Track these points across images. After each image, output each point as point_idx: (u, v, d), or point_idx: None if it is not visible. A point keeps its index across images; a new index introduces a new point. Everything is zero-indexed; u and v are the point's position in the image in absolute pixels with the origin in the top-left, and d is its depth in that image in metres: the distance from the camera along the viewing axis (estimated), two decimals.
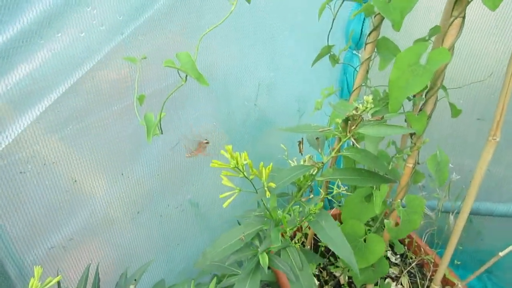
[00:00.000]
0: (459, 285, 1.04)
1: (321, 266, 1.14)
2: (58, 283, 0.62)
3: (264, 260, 0.64)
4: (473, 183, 0.83)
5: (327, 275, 1.12)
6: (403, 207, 0.74)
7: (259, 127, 1.14)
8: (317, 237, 1.22)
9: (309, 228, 1.18)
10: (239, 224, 1.07)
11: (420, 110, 0.68)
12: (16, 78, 0.65)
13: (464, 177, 0.97)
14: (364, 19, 1.20)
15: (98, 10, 0.71)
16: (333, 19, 0.82)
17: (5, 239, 0.71)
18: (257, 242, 0.70)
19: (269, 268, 0.95)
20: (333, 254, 1.18)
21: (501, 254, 0.92)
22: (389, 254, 1.18)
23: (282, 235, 0.68)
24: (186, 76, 0.46)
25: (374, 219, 1.00)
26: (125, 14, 0.74)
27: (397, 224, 0.79)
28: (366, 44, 0.79)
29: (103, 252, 0.88)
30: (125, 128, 0.83)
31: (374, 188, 0.73)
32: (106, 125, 0.79)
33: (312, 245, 1.20)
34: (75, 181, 0.79)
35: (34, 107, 0.68)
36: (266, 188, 0.61)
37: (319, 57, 0.91)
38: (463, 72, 1.09)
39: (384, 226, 0.86)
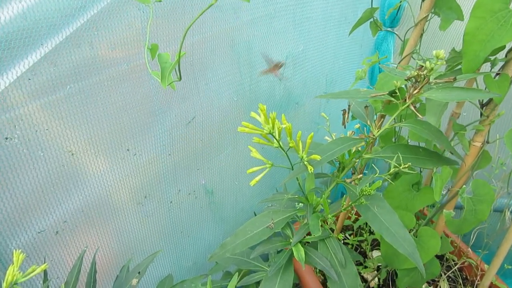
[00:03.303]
0: None
1: None
2: (45, 272, 0.51)
3: (300, 253, 0.51)
4: None
5: None
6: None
7: (284, 106, 1.01)
8: (344, 234, 1.09)
9: (335, 222, 1.05)
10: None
11: (498, 73, 0.54)
12: (4, 19, 0.53)
13: None
14: None
15: None
16: None
17: None
18: (288, 232, 0.57)
19: None
20: (362, 253, 1.05)
21: None
22: None
23: (321, 225, 0.55)
24: None
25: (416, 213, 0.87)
26: None
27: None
28: (423, 0, 0.65)
29: (102, 240, 0.76)
30: (135, 94, 0.71)
31: (434, 171, 0.60)
32: (111, 87, 0.67)
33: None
34: (73, 154, 0.67)
35: (24, 57, 0.56)
36: (306, 162, 0.48)
37: (360, 21, 0.78)
38: None
39: (432, 221, 0.73)
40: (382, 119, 0.74)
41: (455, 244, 1.00)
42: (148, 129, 0.77)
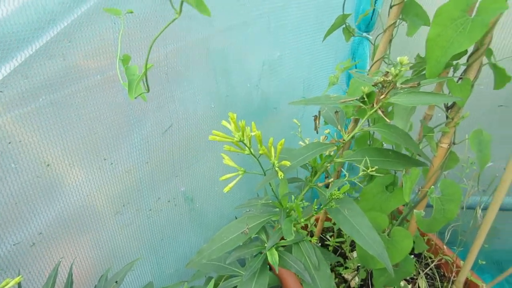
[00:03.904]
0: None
1: (330, 267, 1.03)
2: (19, 285, 0.50)
3: (274, 257, 0.52)
4: (507, 171, 0.72)
5: (335, 277, 1.00)
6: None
7: (262, 113, 1.02)
8: (323, 236, 1.11)
9: (315, 225, 1.07)
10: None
11: (461, 77, 0.57)
12: None
13: (487, 168, 0.87)
14: None
15: None
16: None
17: None
18: (263, 237, 0.58)
19: (270, 269, 0.83)
20: (342, 255, 1.06)
21: None
22: None
23: (294, 228, 0.56)
24: (182, 4, 0.34)
25: (391, 213, 0.89)
26: None
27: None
28: (391, 7, 0.68)
29: (80, 250, 0.75)
30: (110, 104, 0.71)
31: (404, 173, 0.62)
32: (86, 98, 0.67)
33: (319, 245, 1.08)
34: (48, 165, 0.67)
35: None
36: (277, 168, 0.50)
37: (333, 27, 0.79)
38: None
39: (407, 220, 0.75)
40: (356, 123, 0.76)
41: (432, 242, 1.03)
42: (124, 138, 0.77)
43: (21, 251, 0.66)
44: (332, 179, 0.55)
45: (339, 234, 1.10)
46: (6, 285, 0.48)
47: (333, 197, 0.48)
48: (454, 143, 0.62)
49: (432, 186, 0.62)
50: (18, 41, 0.56)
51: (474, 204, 0.94)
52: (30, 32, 0.57)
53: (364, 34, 1.20)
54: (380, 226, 0.66)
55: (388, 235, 0.67)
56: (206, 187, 0.97)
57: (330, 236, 1.10)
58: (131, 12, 0.55)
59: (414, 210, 0.63)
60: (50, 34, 0.59)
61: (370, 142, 0.84)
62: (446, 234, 0.96)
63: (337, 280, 1.00)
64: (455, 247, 1.00)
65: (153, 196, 0.87)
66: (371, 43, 0.84)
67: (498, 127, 1.11)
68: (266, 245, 0.56)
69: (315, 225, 1.06)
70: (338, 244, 1.08)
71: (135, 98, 0.42)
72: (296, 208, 0.53)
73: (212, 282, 0.56)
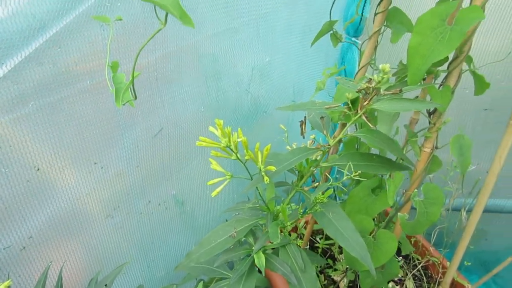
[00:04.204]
0: None
1: (318, 269, 1.04)
2: None
3: (260, 260, 0.54)
4: (490, 173, 0.75)
5: (324, 279, 1.02)
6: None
7: (252, 116, 1.04)
8: (313, 238, 1.12)
9: (305, 228, 1.08)
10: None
11: (442, 84, 0.58)
12: None
13: (472, 170, 0.89)
14: (365, 1, 1.11)
15: None
16: None
17: None
18: (251, 240, 0.59)
19: (260, 271, 0.84)
20: (331, 257, 1.08)
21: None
22: None
23: (281, 231, 0.57)
24: (166, 16, 0.35)
25: (379, 215, 0.90)
26: None
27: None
28: (375, 14, 0.69)
29: (71, 254, 0.76)
30: (99, 109, 0.72)
31: (387, 177, 0.63)
32: (76, 103, 0.68)
33: (309, 247, 1.10)
34: (38, 169, 0.67)
35: None
36: (263, 173, 0.51)
37: (320, 33, 0.81)
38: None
39: (393, 222, 0.77)
40: (343, 128, 0.78)
41: (419, 244, 1.05)
42: (114, 142, 0.77)
43: (11, 255, 0.66)
44: (317, 183, 0.56)
45: (329, 236, 1.11)
46: None
47: (318, 201, 0.50)
48: (436, 147, 0.64)
49: (416, 190, 0.64)
50: (8, 48, 0.57)
51: (459, 206, 0.96)
52: (20, 39, 0.57)
53: (353, 38, 1.22)
54: (366, 228, 0.68)
55: (373, 237, 0.68)
56: (197, 190, 0.98)
57: (320, 238, 1.11)
58: (120, 19, 0.56)
59: (398, 213, 0.65)
60: (40, 41, 0.60)
61: (357, 146, 0.85)
62: (432, 235, 0.98)
63: (326, 282, 1.01)
64: (441, 249, 1.02)
65: (144, 200, 0.87)
66: (358, 48, 0.86)
67: (483, 130, 1.13)
68: (253, 248, 0.57)
69: (305, 227, 1.08)
70: (327, 246, 1.10)
71: (123, 105, 0.43)
72: (282, 212, 0.55)
73: (201, 285, 0.57)
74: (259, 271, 0.59)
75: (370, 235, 0.69)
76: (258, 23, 0.93)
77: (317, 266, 1.04)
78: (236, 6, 0.87)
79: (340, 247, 1.07)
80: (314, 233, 1.14)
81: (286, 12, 0.99)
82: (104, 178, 0.79)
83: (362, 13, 1.15)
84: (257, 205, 0.58)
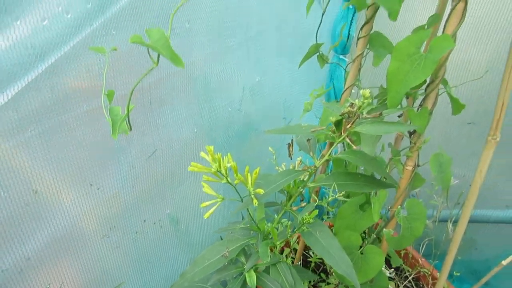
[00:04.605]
0: None
1: (312, 283, 1.06)
2: None
3: (252, 278, 0.56)
4: (473, 186, 0.78)
5: None
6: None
7: (244, 135, 1.07)
8: (306, 252, 1.15)
9: (298, 242, 1.11)
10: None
11: (420, 105, 0.62)
12: None
13: (458, 183, 0.93)
14: (351, 21, 1.16)
15: None
16: (323, 13, 0.76)
17: None
18: (242, 259, 0.61)
19: None
20: (324, 271, 1.10)
21: (504, 262, 0.87)
22: (383, 268, 1.11)
23: (271, 250, 0.60)
24: (158, 57, 0.39)
25: (369, 230, 0.93)
26: (94, 1, 0.67)
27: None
28: (358, 39, 0.73)
29: (68, 275, 0.78)
30: (95, 132, 0.74)
31: (372, 194, 0.66)
32: (73, 128, 0.70)
33: (302, 261, 1.12)
34: (36, 192, 0.69)
35: None
36: (252, 196, 0.54)
37: (307, 56, 0.85)
38: (455, 74, 1.05)
39: (380, 237, 0.79)
40: (330, 148, 0.81)
41: (409, 255, 1.07)
42: (110, 164, 0.80)
43: (8, 277, 0.68)
44: (305, 203, 0.59)
45: None
46: None
47: (304, 221, 0.52)
48: (418, 165, 0.67)
49: (400, 206, 0.67)
50: (8, 77, 0.59)
51: (446, 217, 0.99)
52: (20, 69, 0.60)
53: (341, 56, 1.26)
54: (354, 244, 0.71)
55: (361, 252, 0.71)
56: (191, 208, 1.00)
57: (313, 253, 1.13)
58: (115, 50, 0.59)
59: (384, 229, 0.67)
60: (39, 70, 0.63)
61: (346, 163, 0.88)
62: (421, 247, 1.01)
63: None
64: (431, 260, 1.04)
65: (139, 219, 0.89)
66: (344, 68, 0.90)
67: (467, 143, 1.17)
68: (245, 266, 0.59)
69: (298, 242, 1.10)
70: (320, 261, 1.12)
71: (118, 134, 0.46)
72: (272, 231, 0.57)
73: None
74: None
75: (357, 250, 0.72)
76: (248, 45, 0.96)
77: (310, 281, 1.06)
78: (226, 29, 0.90)
79: None
80: (307, 248, 1.16)
81: (274, 34, 1.03)
82: (101, 199, 0.81)
83: (348, 32, 1.20)
84: (248, 225, 0.61)
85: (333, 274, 1.06)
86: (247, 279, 0.56)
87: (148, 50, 0.39)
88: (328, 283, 1.04)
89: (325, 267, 1.10)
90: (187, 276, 0.59)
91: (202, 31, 0.86)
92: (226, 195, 0.59)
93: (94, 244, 0.82)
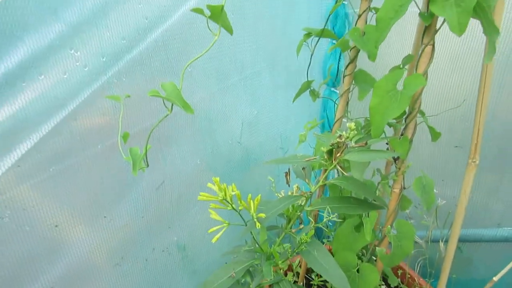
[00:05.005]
0: None
1: None
2: None
3: None
4: (459, 207, 0.84)
5: None
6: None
7: (244, 165, 1.14)
8: (309, 276, 1.19)
9: (300, 266, 1.15)
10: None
11: (402, 134, 0.69)
12: None
13: (448, 204, 0.98)
14: (340, 56, 1.26)
15: (81, 52, 0.71)
16: (311, 54, 0.85)
17: None
18: (248, 279, 0.67)
19: None
20: None
21: (495, 278, 0.92)
22: None
23: (275, 270, 0.66)
24: (172, 105, 0.46)
25: (365, 249, 0.98)
26: (108, 55, 0.75)
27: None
28: (344, 76, 0.82)
29: None
30: (109, 168, 0.82)
31: (364, 216, 0.73)
32: (89, 165, 0.78)
33: (304, 284, 1.16)
34: (56, 226, 0.76)
35: (15, 149, 0.66)
36: (255, 220, 0.60)
37: (300, 92, 0.93)
38: (438, 102, 1.14)
39: (376, 256, 0.85)
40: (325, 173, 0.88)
41: (407, 276, 1.12)
42: (122, 196, 0.86)
43: None
44: (301, 226, 0.65)
45: None
46: None
47: (303, 241, 0.59)
48: (404, 188, 0.74)
49: (390, 226, 0.73)
50: (34, 125, 0.67)
51: (438, 237, 1.05)
52: (43, 117, 0.68)
53: (332, 89, 1.36)
54: (351, 263, 0.76)
55: (357, 270, 0.77)
56: (197, 235, 1.06)
57: (315, 276, 1.18)
58: (128, 97, 0.67)
59: (377, 248, 0.73)
60: (60, 117, 0.70)
61: (341, 189, 0.95)
62: (416, 266, 1.06)
63: None
64: (427, 279, 1.09)
65: (149, 247, 0.95)
66: (334, 102, 0.98)
67: (456, 166, 1.24)
68: (251, 286, 0.65)
69: (300, 266, 1.15)
70: (322, 283, 1.16)
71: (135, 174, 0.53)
72: (274, 253, 0.63)
73: None
74: None
75: (355, 268, 0.77)
76: (245, 84, 1.05)
77: None
78: (223, 71, 0.99)
79: None
80: (309, 271, 1.20)
81: (268, 73, 1.12)
82: (113, 230, 0.87)
83: (337, 68, 1.29)
84: (252, 248, 0.67)
85: None
86: None
87: (163, 101, 0.47)
88: None
89: None
90: None
91: (202, 74, 0.95)
92: (230, 221, 0.65)
93: (107, 273, 0.88)
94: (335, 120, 0.84)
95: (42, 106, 0.67)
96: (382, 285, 1.16)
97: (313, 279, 1.16)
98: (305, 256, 0.61)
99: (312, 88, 0.94)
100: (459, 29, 0.56)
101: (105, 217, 0.85)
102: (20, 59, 0.64)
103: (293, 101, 0.95)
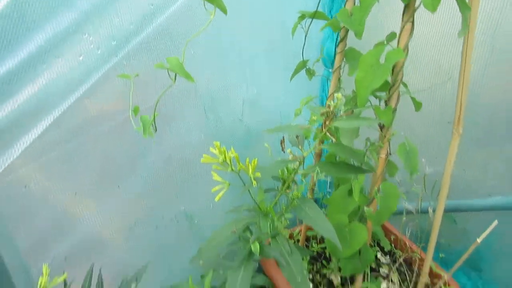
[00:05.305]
0: (445, 277, 1.09)
1: (315, 270, 1.18)
2: (64, 281, 0.67)
3: (256, 247, 0.70)
4: (445, 174, 0.90)
5: (320, 277, 1.16)
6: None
7: (246, 140, 1.21)
8: (308, 243, 1.27)
9: (300, 233, 1.24)
10: None
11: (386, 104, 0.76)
12: (22, 99, 0.72)
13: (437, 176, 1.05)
14: (337, 39, 1.32)
15: (94, 36, 0.79)
16: (305, 35, 0.92)
17: (14, 250, 0.76)
18: (248, 234, 0.75)
19: (265, 274, 1.00)
20: (326, 258, 1.22)
21: (478, 240, 0.98)
22: (379, 255, 1.23)
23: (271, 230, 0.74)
24: (175, 76, 0.54)
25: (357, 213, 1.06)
26: (118, 39, 0.83)
27: None
28: (335, 54, 0.88)
29: (101, 263, 0.92)
30: (122, 143, 0.90)
31: (352, 179, 0.80)
32: (103, 140, 0.86)
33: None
34: (76, 194, 0.84)
35: (38, 125, 0.75)
36: (253, 179, 0.68)
37: (296, 71, 1.00)
38: (429, 79, 1.20)
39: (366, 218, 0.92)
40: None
41: (399, 241, 1.20)
42: (133, 168, 0.95)
43: (58, 264, 0.82)
44: (296, 186, 0.73)
45: (322, 240, 1.26)
46: (56, 280, 0.64)
47: (294, 196, 0.66)
48: (390, 154, 0.81)
49: (376, 189, 0.80)
50: (54, 102, 0.76)
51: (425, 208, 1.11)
52: (63, 95, 0.76)
53: (330, 70, 1.42)
54: (343, 224, 0.84)
55: (348, 230, 0.84)
56: (203, 205, 1.14)
57: (315, 243, 1.26)
58: (137, 76, 0.74)
59: (365, 207, 0.81)
60: (77, 95, 0.78)
61: (337, 158, 1.02)
62: (406, 232, 1.13)
63: (322, 279, 1.15)
64: (418, 243, 1.17)
65: (159, 215, 1.04)
66: (326, 79, 1.05)
67: (448, 140, 1.30)
68: (250, 240, 0.73)
69: (300, 234, 1.23)
70: (321, 250, 1.25)
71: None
72: (270, 210, 0.71)
73: (210, 274, 0.73)
74: (259, 271, 0.74)
75: (346, 228, 0.85)
76: (244, 65, 1.12)
77: (313, 267, 1.18)
78: (224, 53, 1.07)
79: None
80: (308, 239, 1.28)
81: (266, 56, 1.19)
82: (126, 198, 0.96)
83: (335, 48, 1.35)
84: (251, 207, 0.75)
85: (333, 260, 1.19)
86: (253, 248, 0.70)
87: (168, 72, 0.54)
88: (328, 268, 1.17)
89: (326, 255, 1.22)
90: (203, 251, 0.73)
91: (203, 56, 1.02)
92: (232, 193, 0.72)
93: (121, 236, 0.97)
94: (329, 94, 0.91)
95: (61, 85, 0.75)
96: (378, 251, 1.24)
97: (313, 246, 1.24)
98: (298, 212, 0.69)
99: (307, 67, 1.01)
100: (432, 6, 0.63)
101: (118, 187, 0.93)
102: (40, 44, 0.72)
103: (290, 80, 1.02)
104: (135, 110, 0.71)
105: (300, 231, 1.25)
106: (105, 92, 0.84)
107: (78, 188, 0.85)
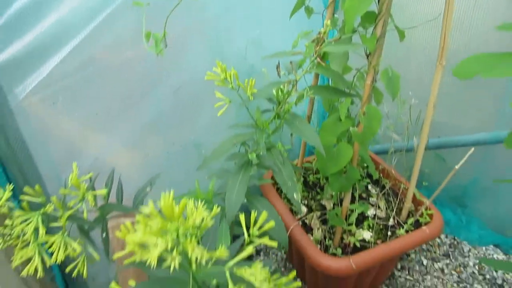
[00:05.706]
0: (427, 203, 1.21)
1: (310, 197, 1.31)
2: (90, 179, 0.79)
3: (252, 156, 0.81)
4: (429, 106, 0.99)
5: (314, 203, 1.29)
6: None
7: (249, 75, 1.30)
8: (305, 176, 1.40)
9: (297, 164, 1.35)
10: None
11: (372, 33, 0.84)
12: (47, 24, 0.81)
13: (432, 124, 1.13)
14: None
15: None
16: None
17: (49, 160, 0.89)
18: (246, 147, 0.87)
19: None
20: (320, 187, 1.35)
21: (456, 167, 1.08)
22: (369, 187, 1.35)
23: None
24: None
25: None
26: None
27: None
28: None
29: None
30: (136, 71, 1.00)
31: (340, 101, 0.90)
32: (118, 69, 0.96)
33: (302, 181, 1.37)
34: (97, 113, 0.96)
35: (62, 48, 0.85)
36: (249, 95, 0.78)
37: (295, 8, 1.07)
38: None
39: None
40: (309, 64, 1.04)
41: (386, 170, 1.31)
42: (145, 98, 1.06)
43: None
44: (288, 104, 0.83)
45: (317, 172, 1.38)
46: (85, 177, 0.77)
47: (286, 110, 0.77)
48: (375, 81, 0.90)
49: (362, 112, 0.90)
50: (74, 30, 0.85)
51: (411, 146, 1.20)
52: (81, 24, 0.86)
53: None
54: (331, 143, 0.95)
55: (336, 149, 0.95)
56: (211, 135, 1.25)
57: (310, 174, 1.38)
58: (148, 4, 0.83)
59: (351, 128, 0.91)
60: (95, 23, 0.88)
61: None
62: (392, 161, 1.24)
63: (318, 207, 1.28)
64: (403, 173, 1.28)
65: (169, 142, 1.16)
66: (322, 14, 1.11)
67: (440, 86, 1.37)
68: (248, 152, 0.85)
69: (297, 164, 1.35)
70: (317, 180, 1.37)
71: (158, 54, 0.71)
72: (265, 125, 0.82)
73: (213, 180, 0.85)
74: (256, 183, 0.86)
75: (334, 147, 0.96)
76: (247, 6, 1.20)
77: (308, 195, 1.31)
78: None
79: (326, 179, 1.35)
80: (305, 169, 1.40)
81: None
82: (139, 125, 1.07)
83: None
84: (250, 124, 0.86)
85: (326, 188, 1.31)
86: (250, 157, 0.81)
87: None
88: (322, 196, 1.30)
89: (321, 184, 1.35)
90: (207, 160, 0.85)
91: None
92: (237, 120, 0.82)
93: (137, 160, 1.09)
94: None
95: (82, 12, 0.85)
96: (369, 183, 1.36)
97: (309, 177, 1.37)
98: (289, 125, 0.80)
99: (307, 5, 1.08)
100: None
101: (134, 111, 1.05)
102: None
103: (290, 17, 1.09)
104: (147, 35, 0.81)
105: (296, 163, 1.37)
106: (122, 22, 0.92)
107: (99, 108, 0.96)
